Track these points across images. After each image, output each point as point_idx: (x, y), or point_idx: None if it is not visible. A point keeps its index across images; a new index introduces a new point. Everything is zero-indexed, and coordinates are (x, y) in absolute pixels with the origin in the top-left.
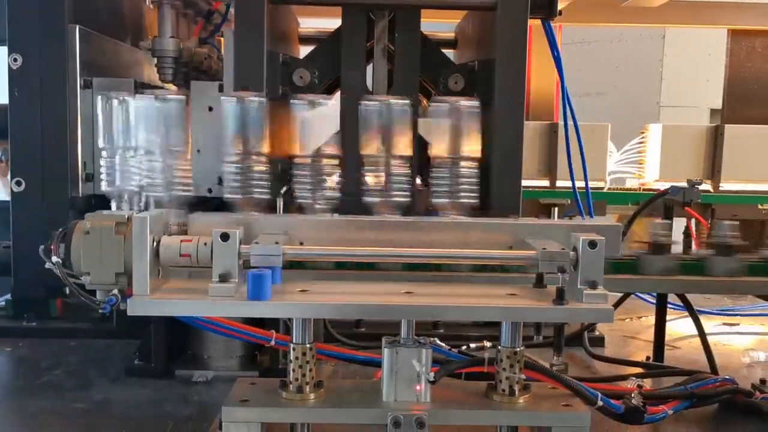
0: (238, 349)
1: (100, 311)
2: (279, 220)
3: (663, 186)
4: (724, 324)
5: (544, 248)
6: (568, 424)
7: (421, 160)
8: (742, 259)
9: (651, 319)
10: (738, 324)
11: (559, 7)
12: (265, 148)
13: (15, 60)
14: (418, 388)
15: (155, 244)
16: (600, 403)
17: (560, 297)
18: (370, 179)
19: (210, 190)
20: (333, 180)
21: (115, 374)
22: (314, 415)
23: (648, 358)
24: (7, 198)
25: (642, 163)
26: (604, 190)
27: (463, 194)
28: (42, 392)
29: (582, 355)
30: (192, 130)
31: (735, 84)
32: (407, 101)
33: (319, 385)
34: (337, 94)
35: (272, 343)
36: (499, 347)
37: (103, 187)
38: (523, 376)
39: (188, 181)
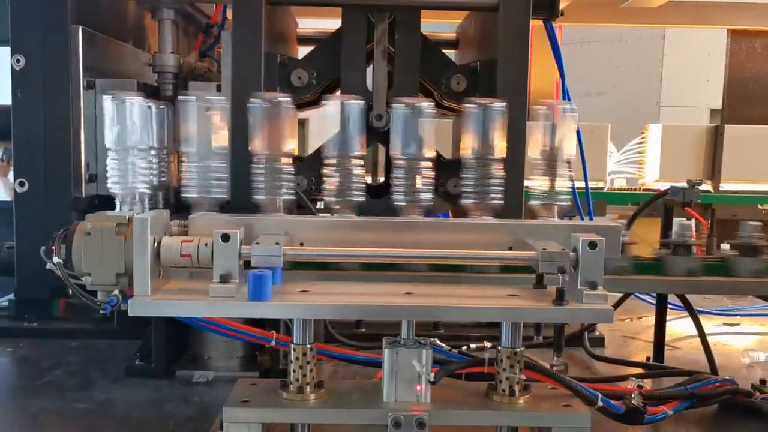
0: (239, 349)
1: (101, 312)
2: (279, 220)
3: (663, 186)
4: (724, 324)
5: (544, 249)
6: (568, 424)
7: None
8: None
9: (651, 320)
10: (738, 324)
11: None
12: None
13: (18, 61)
14: (418, 388)
15: (156, 244)
16: (600, 403)
17: (560, 297)
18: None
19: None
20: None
21: (116, 374)
22: (315, 416)
23: (648, 358)
24: (7, 198)
25: (642, 163)
26: (605, 191)
27: (493, 195)
28: (43, 392)
29: (582, 356)
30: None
31: (735, 84)
32: (431, 103)
33: (320, 386)
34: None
35: (273, 343)
36: (499, 348)
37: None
38: (523, 377)
39: (225, 183)
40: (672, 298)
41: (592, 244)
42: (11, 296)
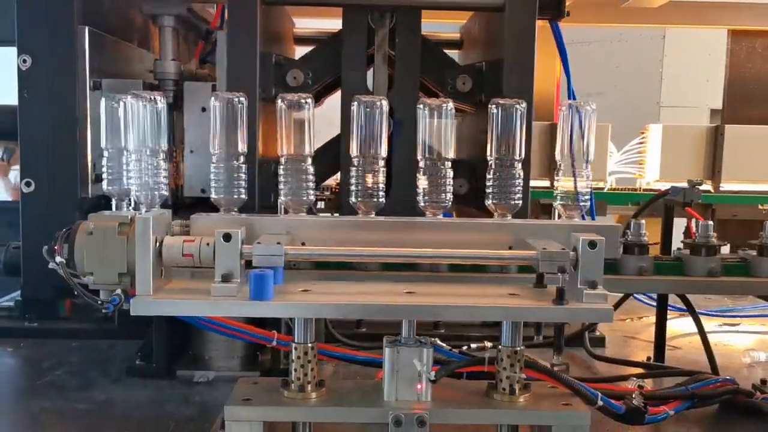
0: (240, 349)
1: (103, 311)
2: (281, 220)
3: (663, 186)
4: (725, 324)
5: (544, 248)
6: (568, 422)
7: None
8: None
9: (651, 319)
10: (738, 324)
11: None
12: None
13: (24, 61)
14: (419, 387)
15: (158, 244)
16: (600, 403)
17: (560, 297)
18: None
19: (203, 191)
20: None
21: (116, 374)
22: (316, 414)
23: (649, 358)
24: (7, 198)
25: (642, 163)
26: (605, 191)
27: (515, 195)
28: (44, 392)
29: (582, 355)
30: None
31: (735, 84)
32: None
33: (321, 385)
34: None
35: (274, 343)
36: (500, 347)
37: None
38: (523, 376)
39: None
40: (672, 299)
41: (592, 244)
42: (16, 295)
